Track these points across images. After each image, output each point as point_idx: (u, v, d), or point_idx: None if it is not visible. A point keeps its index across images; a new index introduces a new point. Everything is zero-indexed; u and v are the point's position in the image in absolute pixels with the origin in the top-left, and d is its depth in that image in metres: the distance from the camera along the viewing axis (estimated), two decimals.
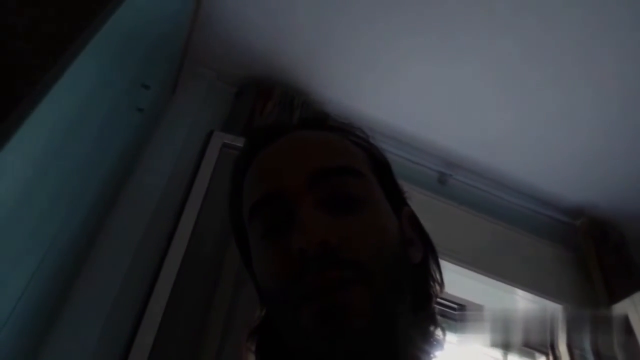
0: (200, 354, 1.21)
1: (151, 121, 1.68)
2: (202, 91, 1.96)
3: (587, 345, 1.85)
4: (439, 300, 1.80)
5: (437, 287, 0.56)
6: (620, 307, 1.85)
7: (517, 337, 1.92)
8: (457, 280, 1.96)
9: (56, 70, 0.69)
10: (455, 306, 2.03)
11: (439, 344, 0.53)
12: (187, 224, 1.45)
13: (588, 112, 1.94)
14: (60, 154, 0.88)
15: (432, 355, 0.52)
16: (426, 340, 0.52)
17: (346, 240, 0.43)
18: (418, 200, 2.26)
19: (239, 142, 0.67)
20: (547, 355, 1.92)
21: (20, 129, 0.63)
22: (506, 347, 1.93)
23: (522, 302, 2.02)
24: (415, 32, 1.78)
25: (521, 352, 1.96)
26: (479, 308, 2.02)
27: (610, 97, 1.87)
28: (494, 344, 1.91)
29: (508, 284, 1.96)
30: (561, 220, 2.32)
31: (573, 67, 1.80)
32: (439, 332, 0.54)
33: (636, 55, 1.73)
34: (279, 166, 0.51)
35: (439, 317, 0.55)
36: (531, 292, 1.98)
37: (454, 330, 1.98)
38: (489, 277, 1.93)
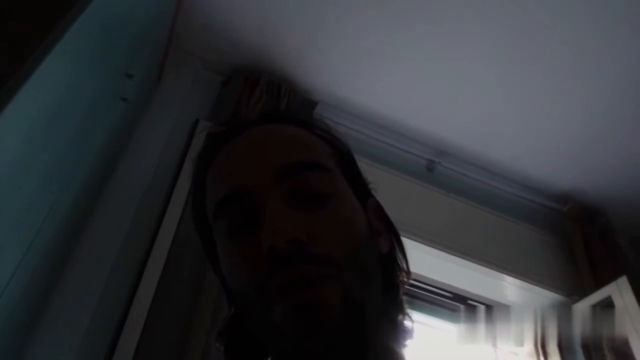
0: (186, 354, 1.20)
1: (136, 111, 1.66)
2: (187, 80, 1.94)
3: (575, 333, 1.88)
4: (430, 288, 1.79)
5: (404, 276, 0.56)
6: (606, 291, 1.88)
7: (507, 330, 1.95)
8: (445, 267, 1.97)
9: (32, 60, 0.67)
10: (448, 294, 2.05)
11: (408, 332, 0.53)
12: (174, 216, 1.44)
13: (576, 100, 1.94)
14: (43, 145, 0.87)
15: (402, 344, 0.52)
16: (395, 328, 0.52)
17: (315, 235, 0.43)
18: (406, 188, 2.26)
19: None
20: (535, 344, 1.95)
21: None
22: (496, 339, 1.96)
23: (509, 288, 2.04)
24: (404, 20, 1.77)
25: (510, 341, 1.98)
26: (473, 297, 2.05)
27: (600, 85, 1.88)
28: (485, 334, 1.94)
29: (496, 270, 1.98)
30: (548, 207, 2.33)
31: (564, 55, 1.80)
32: (407, 321, 0.54)
33: (628, 46, 1.73)
34: (243, 163, 0.50)
35: (406, 306, 0.55)
36: (518, 278, 2.00)
37: (447, 318, 2.01)
38: (476, 263, 1.95)
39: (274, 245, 0.41)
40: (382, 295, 0.49)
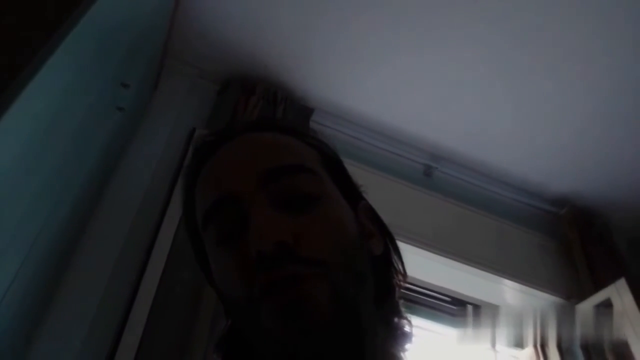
0: (187, 356, 1.20)
1: (132, 120, 1.66)
2: (184, 89, 1.94)
3: (574, 336, 1.88)
4: (430, 292, 1.78)
5: (400, 278, 0.56)
6: (604, 294, 1.88)
7: (507, 333, 1.95)
8: (443, 271, 1.97)
9: (29, 70, 0.67)
10: (447, 298, 2.05)
11: (407, 335, 0.53)
12: (171, 223, 1.44)
13: (573, 103, 1.95)
14: (40, 154, 0.87)
15: (399, 347, 0.51)
16: (392, 331, 0.52)
17: (303, 238, 0.43)
18: (404, 193, 2.25)
19: None
20: (535, 347, 1.94)
21: None
22: (496, 342, 1.95)
23: (509, 292, 2.04)
24: (398, 24, 1.78)
25: (510, 345, 1.98)
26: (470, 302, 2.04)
27: (597, 88, 1.88)
28: (484, 338, 1.93)
29: (494, 273, 1.98)
30: (546, 210, 2.34)
31: (561, 59, 1.80)
32: (405, 323, 0.53)
33: (626, 50, 1.74)
34: (229, 170, 0.50)
35: (404, 309, 0.54)
36: (517, 282, 2.00)
37: (446, 322, 2.00)
38: (475, 267, 1.95)
39: (260, 250, 0.41)
40: (376, 297, 0.49)
